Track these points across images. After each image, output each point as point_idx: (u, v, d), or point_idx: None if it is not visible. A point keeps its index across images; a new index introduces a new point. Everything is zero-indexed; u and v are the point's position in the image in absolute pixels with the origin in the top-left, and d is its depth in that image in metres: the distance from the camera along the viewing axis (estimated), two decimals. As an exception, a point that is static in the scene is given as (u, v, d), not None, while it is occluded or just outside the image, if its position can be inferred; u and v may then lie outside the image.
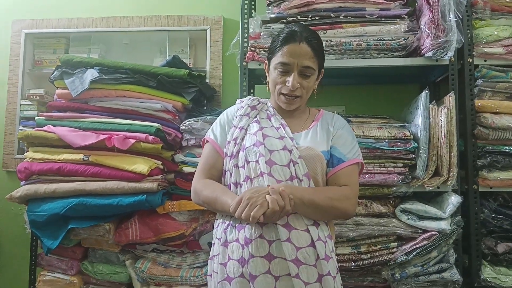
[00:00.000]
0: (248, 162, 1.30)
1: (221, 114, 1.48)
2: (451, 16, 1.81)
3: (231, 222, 1.28)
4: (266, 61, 1.43)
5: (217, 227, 1.33)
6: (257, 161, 1.28)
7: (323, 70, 1.44)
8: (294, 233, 1.22)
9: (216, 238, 1.32)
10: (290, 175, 1.27)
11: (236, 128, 1.38)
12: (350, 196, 1.31)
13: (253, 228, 1.22)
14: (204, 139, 1.45)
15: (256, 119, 1.39)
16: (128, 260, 1.92)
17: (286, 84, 1.33)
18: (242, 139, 1.35)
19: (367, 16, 1.92)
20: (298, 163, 1.28)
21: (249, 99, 1.47)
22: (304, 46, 1.32)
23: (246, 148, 1.32)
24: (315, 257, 1.22)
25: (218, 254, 1.28)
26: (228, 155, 1.36)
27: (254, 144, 1.31)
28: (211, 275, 1.32)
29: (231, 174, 1.33)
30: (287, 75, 1.34)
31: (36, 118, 2.03)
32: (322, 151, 1.34)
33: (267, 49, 1.89)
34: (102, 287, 1.96)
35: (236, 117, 1.41)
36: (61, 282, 1.96)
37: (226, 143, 1.38)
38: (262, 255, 1.21)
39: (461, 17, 1.85)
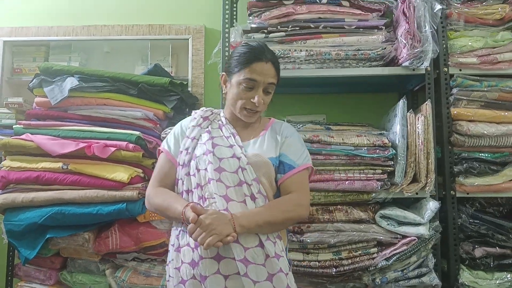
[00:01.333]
0: (198, 170, 1.37)
1: (176, 126, 1.56)
2: (427, 27, 1.87)
3: (182, 228, 1.35)
4: (224, 74, 1.49)
5: (172, 234, 1.42)
6: (206, 169, 1.35)
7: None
8: (242, 235, 1.27)
9: (170, 244, 1.40)
10: (239, 181, 1.34)
11: (188, 138, 1.46)
12: (301, 202, 1.39)
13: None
14: (159, 149, 1.52)
15: (207, 129, 1.47)
16: (108, 270, 1.89)
17: (251, 100, 1.40)
18: (194, 149, 1.43)
19: (345, 27, 1.97)
20: (246, 169, 1.35)
21: (202, 110, 1.54)
22: (270, 65, 1.42)
23: (197, 157, 1.40)
24: (264, 257, 1.28)
25: (173, 260, 1.36)
26: (180, 164, 1.43)
27: (204, 153, 1.39)
28: (169, 280, 1.39)
29: (183, 182, 1.40)
30: (251, 92, 1.41)
31: (14, 126, 2.00)
32: (270, 157, 1.41)
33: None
34: (81, 298, 1.93)
35: (189, 128, 1.48)
36: (39, 293, 1.92)
37: (179, 153, 1.45)
38: (211, 257, 1.27)
39: (436, 28, 1.91)
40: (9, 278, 2.03)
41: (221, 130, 1.46)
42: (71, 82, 1.93)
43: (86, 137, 1.89)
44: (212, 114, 1.52)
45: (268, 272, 1.27)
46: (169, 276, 1.38)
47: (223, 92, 1.51)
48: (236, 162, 1.36)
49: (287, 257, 1.39)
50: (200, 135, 1.45)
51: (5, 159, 1.94)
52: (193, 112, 1.56)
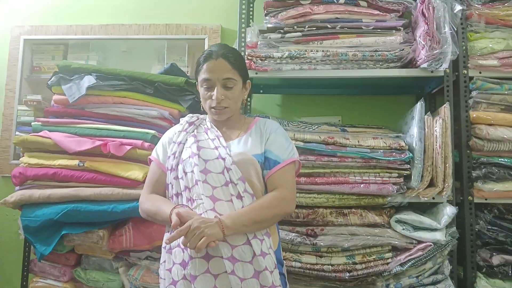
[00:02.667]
0: (186, 173, 1.40)
1: (164, 134, 1.59)
2: (446, 28, 1.83)
3: (173, 230, 1.35)
4: (197, 82, 1.53)
5: (164, 236, 1.44)
6: (192, 171, 1.38)
7: (249, 81, 1.55)
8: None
9: (162, 247, 1.42)
10: (225, 181, 1.36)
11: (175, 143, 1.49)
12: (286, 196, 1.41)
13: None
14: (149, 158, 1.56)
15: (193, 133, 1.50)
16: (121, 268, 1.90)
17: (212, 98, 1.45)
18: (180, 153, 1.46)
19: (363, 27, 1.95)
20: (231, 169, 1.37)
21: (188, 116, 1.58)
22: (221, 61, 1.44)
23: (184, 160, 1.43)
24: (251, 254, 1.30)
25: (165, 261, 1.39)
26: (168, 169, 1.46)
27: (190, 156, 1.42)
28: (161, 282, 1.42)
29: (172, 186, 1.44)
30: (212, 90, 1.45)
31: (32, 123, 2.03)
32: (255, 154, 1.43)
33: (264, 58, 1.92)
34: (94, 295, 1.94)
35: (175, 134, 1.52)
36: (53, 289, 1.94)
37: (167, 158, 1.48)
38: (200, 256, 1.30)
39: (455, 29, 1.87)
40: (25, 273, 2.05)
41: (207, 134, 1.50)
42: (88, 80, 1.95)
43: (102, 135, 1.91)
44: (198, 119, 1.56)
45: (254, 269, 1.29)
46: (161, 278, 1.41)
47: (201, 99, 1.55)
48: (222, 163, 1.38)
49: (281, 254, 1.44)
50: (186, 139, 1.49)
51: (23, 156, 1.97)
52: (181, 119, 1.60)
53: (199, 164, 1.38)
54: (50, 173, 1.86)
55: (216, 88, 1.44)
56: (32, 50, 2.59)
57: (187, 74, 2.28)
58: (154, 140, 1.87)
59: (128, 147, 1.84)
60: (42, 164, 1.90)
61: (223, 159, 1.39)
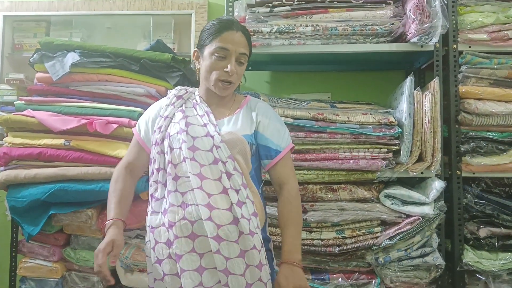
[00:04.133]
0: (172, 149, 1.37)
1: (150, 107, 1.56)
2: (436, 1, 1.82)
3: (153, 209, 1.38)
4: (197, 49, 1.48)
5: (147, 214, 1.42)
6: (180, 148, 1.35)
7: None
8: (216, 212, 1.28)
9: (146, 225, 1.41)
10: (214, 159, 1.34)
11: (162, 117, 1.45)
12: (297, 187, 1.45)
13: (177, 212, 1.31)
14: (134, 129, 1.55)
15: (181, 108, 1.45)
16: (111, 247, 1.90)
17: (224, 70, 1.39)
18: (167, 127, 1.42)
19: (353, 1, 1.92)
20: (220, 147, 1.35)
21: (177, 89, 1.52)
22: (240, 34, 1.41)
23: (171, 136, 1.39)
24: (237, 234, 1.29)
25: (149, 240, 1.38)
26: (153, 143, 1.44)
27: (178, 132, 1.38)
28: (147, 260, 1.42)
29: (155, 160, 1.41)
30: (224, 61, 1.39)
31: (15, 102, 1.98)
32: (245, 135, 1.40)
33: (252, 33, 1.88)
34: (85, 274, 1.93)
35: (162, 107, 1.48)
36: (43, 269, 1.93)
37: (152, 132, 1.46)
38: (186, 235, 1.29)
39: (446, 2, 1.84)
40: (13, 254, 2.04)
41: (195, 109, 1.45)
42: (72, 57, 1.90)
43: (88, 114, 1.86)
44: (186, 93, 1.50)
45: (240, 248, 1.28)
46: (147, 256, 1.41)
47: (196, 68, 1.50)
48: (210, 140, 1.35)
49: (267, 233, 1.46)
50: (174, 114, 1.44)
51: (7, 136, 1.93)
52: (169, 91, 1.55)
53: (187, 141, 1.35)
54: (36, 152, 1.83)
55: (231, 60, 1.39)
56: (13, 28, 2.51)
57: (173, 51, 2.23)
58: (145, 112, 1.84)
59: (115, 125, 1.80)
60: (27, 144, 1.86)
61: (212, 136, 1.36)
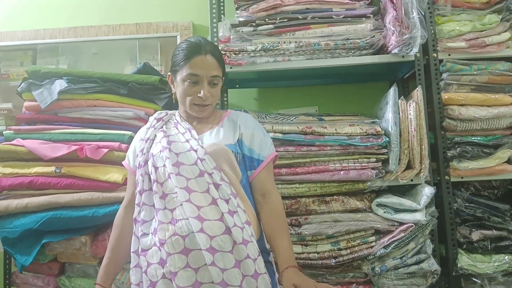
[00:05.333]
0: (156, 168, 1.37)
1: (135, 136, 1.59)
2: (414, 13, 1.86)
3: (143, 231, 1.36)
4: (170, 74, 1.50)
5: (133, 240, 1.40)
6: (164, 165, 1.36)
7: (223, 77, 1.52)
8: (207, 223, 1.27)
9: (132, 251, 1.39)
10: (199, 171, 1.34)
11: (143, 140, 1.47)
12: (278, 195, 1.46)
13: (167, 229, 1.29)
14: (123, 163, 1.58)
15: (162, 129, 1.48)
16: (106, 272, 1.88)
17: (198, 95, 1.41)
18: (149, 149, 1.44)
19: (334, 17, 1.96)
20: (205, 159, 1.35)
21: (157, 113, 1.56)
22: (210, 57, 1.42)
23: (154, 155, 1.40)
24: (231, 244, 1.27)
25: (137, 265, 1.36)
26: (137, 166, 1.44)
27: (161, 150, 1.39)
28: (137, 284, 1.36)
29: (138, 183, 1.41)
30: (197, 86, 1.42)
31: (4, 132, 1.97)
32: (228, 144, 1.42)
33: (237, 52, 1.91)
34: (81, 302, 1.91)
35: (143, 131, 1.51)
36: (38, 300, 1.90)
37: (135, 157, 1.47)
38: (178, 251, 1.26)
39: (423, 13, 1.90)
40: (7, 287, 2.01)
41: (177, 128, 1.47)
42: (60, 84, 1.91)
43: (78, 140, 1.87)
44: (166, 115, 1.53)
45: (235, 258, 1.26)
46: (133, 284, 1.36)
47: (172, 92, 1.52)
48: (194, 154, 1.36)
49: (265, 243, 1.43)
50: (155, 135, 1.46)
51: (-3, 166, 1.92)
52: (150, 117, 1.58)
53: (171, 157, 1.35)
54: (26, 181, 1.82)
55: (203, 85, 1.41)
56: (-1, 57, 2.52)
57: (160, 73, 2.25)
58: (131, 141, 1.85)
59: (105, 150, 1.81)
60: (17, 173, 1.85)
61: (195, 150, 1.36)
